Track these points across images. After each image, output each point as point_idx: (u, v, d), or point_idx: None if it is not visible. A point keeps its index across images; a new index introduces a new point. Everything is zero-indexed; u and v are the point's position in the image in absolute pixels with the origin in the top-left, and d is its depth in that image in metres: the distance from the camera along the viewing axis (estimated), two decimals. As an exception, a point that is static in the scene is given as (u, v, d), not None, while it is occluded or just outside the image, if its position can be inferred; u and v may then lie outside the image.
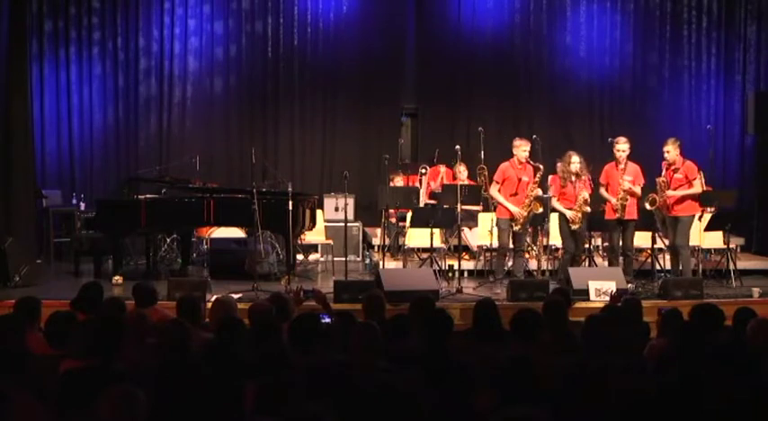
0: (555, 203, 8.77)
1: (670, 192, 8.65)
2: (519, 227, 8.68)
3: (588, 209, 8.65)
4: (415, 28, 12.14)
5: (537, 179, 8.67)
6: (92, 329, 4.17)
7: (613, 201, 8.62)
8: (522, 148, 8.75)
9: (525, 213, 8.66)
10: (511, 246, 8.86)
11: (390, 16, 12.04)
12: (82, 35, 11.49)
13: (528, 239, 9.69)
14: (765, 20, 11.93)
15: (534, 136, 9.22)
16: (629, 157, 8.73)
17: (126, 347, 4.13)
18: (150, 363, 4.02)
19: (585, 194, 8.62)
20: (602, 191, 8.80)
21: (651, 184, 8.89)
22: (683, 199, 8.70)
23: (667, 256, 9.28)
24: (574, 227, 8.62)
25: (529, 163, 8.77)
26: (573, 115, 12.17)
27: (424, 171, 10.88)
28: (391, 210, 9.87)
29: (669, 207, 8.72)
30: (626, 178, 8.60)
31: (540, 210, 8.70)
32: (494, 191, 8.90)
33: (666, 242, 9.20)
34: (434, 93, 12.21)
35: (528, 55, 12.12)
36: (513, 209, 8.65)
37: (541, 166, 8.71)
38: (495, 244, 9.28)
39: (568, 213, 8.62)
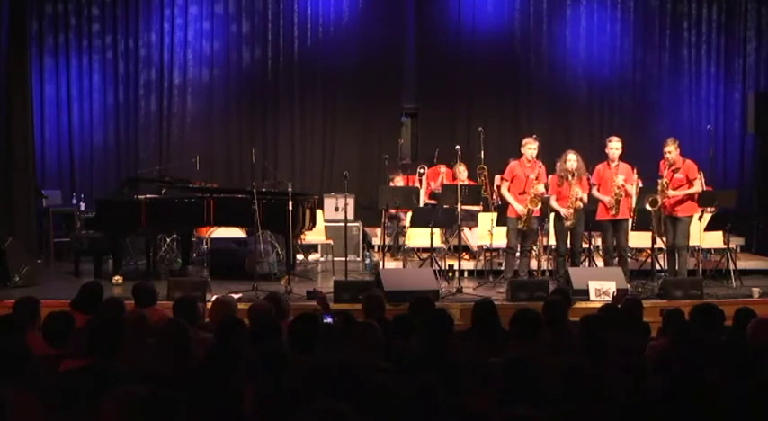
0: (553, 202, 8.79)
1: (672, 193, 8.65)
2: (522, 225, 8.67)
3: (580, 204, 8.64)
4: (415, 28, 12.13)
5: (536, 175, 8.65)
6: (92, 329, 4.18)
7: (607, 199, 8.64)
8: (528, 146, 8.76)
9: (526, 211, 8.65)
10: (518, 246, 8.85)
11: (390, 16, 12.04)
12: (82, 34, 11.48)
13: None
14: (765, 20, 11.93)
15: (534, 136, 9.22)
16: (621, 158, 8.75)
17: (126, 347, 4.13)
18: (150, 363, 4.03)
19: (578, 192, 8.61)
20: (594, 191, 8.81)
21: (651, 185, 8.89)
22: (683, 199, 8.70)
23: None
24: (567, 224, 8.63)
25: (536, 161, 8.77)
26: (573, 115, 12.17)
27: (422, 171, 10.86)
28: (392, 211, 9.88)
29: (669, 207, 8.72)
30: (619, 176, 8.61)
31: (539, 206, 8.68)
32: (503, 189, 8.92)
33: (664, 241, 9.19)
34: (434, 93, 12.21)
35: (528, 55, 12.12)
36: (518, 207, 8.65)
37: (542, 165, 8.71)
38: (496, 244, 9.29)
39: (562, 211, 8.64)
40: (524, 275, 8.76)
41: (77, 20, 11.48)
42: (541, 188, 8.67)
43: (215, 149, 11.73)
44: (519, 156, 8.91)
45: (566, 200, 8.67)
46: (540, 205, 8.66)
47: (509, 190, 8.80)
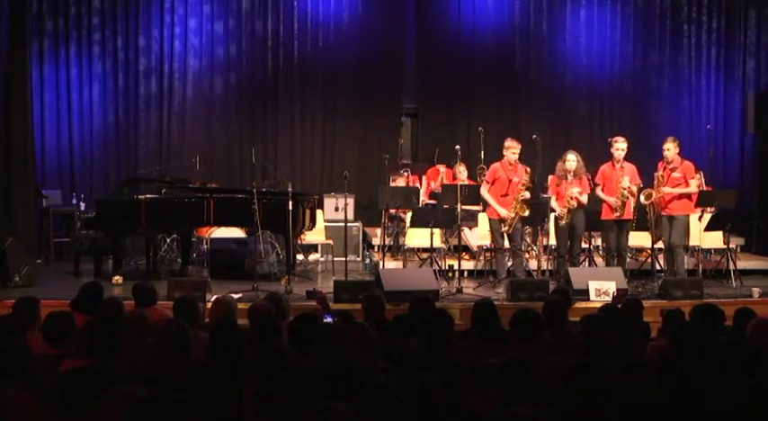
0: (553, 203, 8.79)
1: (666, 189, 8.64)
2: (507, 228, 8.65)
3: (574, 204, 8.63)
4: (415, 28, 12.14)
5: (524, 181, 8.62)
6: (92, 329, 4.18)
7: (612, 200, 8.63)
8: (511, 150, 8.71)
9: (513, 215, 8.63)
10: (507, 245, 8.84)
11: (390, 17, 12.05)
12: (82, 35, 11.50)
13: (528, 239, 9.70)
14: (765, 19, 11.93)
15: (534, 136, 9.22)
16: (625, 158, 8.75)
17: (126, 347, 4.13)
18: (150, 363, 4.03)
19: (573, 191, 8.61)
20: (598, 191, 8.81)
21: (650, 183, 8.89)
22: (679, 198, 8.70)
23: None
24: (561, 222, 8.64)
25: (519, 164, 8.75)
26: (573, 115, 12.17)
27: (405, 173, 10.78)
28: (392, 211, 9.88)
29: (664, 205, 8.72)
30: (625, 178, 8.61)
31: (527, 213, 8.66)
32: (483, 191, 8.87)
33: (664, 241, 9.19)
34: (434, 93, 12.21)
35: (528, 55, 12.12)
36: (502, 211, 8.62)
37: (528, 169, 8.69)
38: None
39: (558, 210, 8.65)
40: (521, 275, 8.74)
41: (78, 24, 11.47)
42: (527, 194, 8.64)
43: (215, 149, 11.73)
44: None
45: (563, 199, 8.67)
46: (527, 211, 8.64)
47: (489, 192, 8.77)
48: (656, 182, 8.69)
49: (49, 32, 11.39)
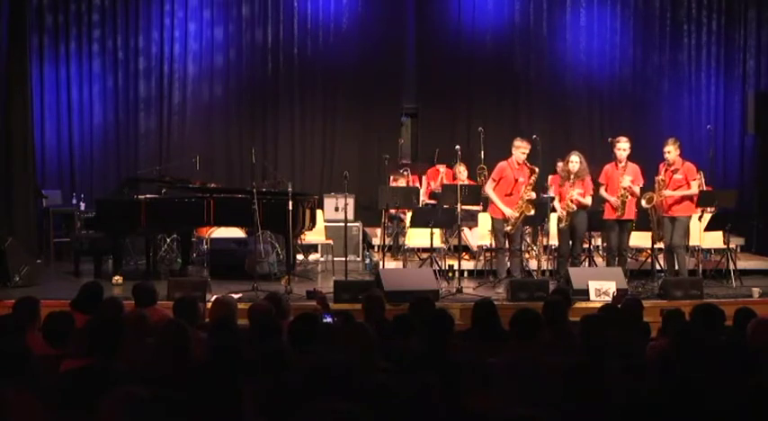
0: (556, 203, 8.81)
1: (668, 192, 8.64)
2: (510, 227, 8.65)
3: (574, 207, 8.64)
4: (415, 28, 12.14)
5: (531, 181, 8.63)
6: (92, 329, 4.18)
7: (612, 199, 8.63)
8: (521, 150, 8.70)
9: (517, 215, 8.63)
10: (507, 245, 8.84)
11: (390, 16, 12.05)
12: (82, 32, 11.50)
13: (528, 239, 9.70)
14: (765, 20, 11.94)
15: (534, 136, 9.21)
16: (629, 158, 8.75)
17: (126, 347, 4.13)
18: (150, 363, 4.03)
19: (572, 194, 8.61)
20: (602, 191, 8.81)
21: (651, 185, 8.90)
22: (681, 199, 8.70)
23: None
24: (560, 225, 8.66)
25: (526, 164, 8.75)
26: (573, 115, 12.17)
27: (405, 173, 10.78)
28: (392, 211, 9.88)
29: (666, 207, 8.71)
30: (626, 177, 8.62)
31: (533, 212, 8.66)
32: (489, 188, 8.85)
33: (664, 241, 9.20)
34: (434, 93, 12.21)
35: (528, 55, 12.13)
36: (507, 211, 8.61)
37: (537, 169, 8.69)
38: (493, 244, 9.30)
39: (558, 211, 8.65)
40: (517, 275, 8.74)
41: (78, 22, 11.47)
42: (533, 194, 8.63)
43: (215, 149, 11.73)
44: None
45: (563, 202, 8.68)
46: (533, 210, 8.64)
47: (494, 190, 8.76)
48: (656, 185, 8.68)
49: (48, 28, 11.38)
